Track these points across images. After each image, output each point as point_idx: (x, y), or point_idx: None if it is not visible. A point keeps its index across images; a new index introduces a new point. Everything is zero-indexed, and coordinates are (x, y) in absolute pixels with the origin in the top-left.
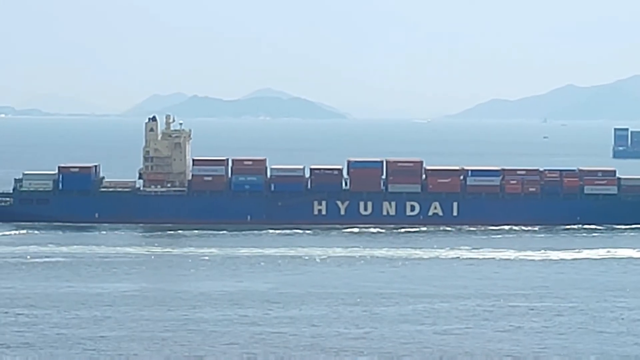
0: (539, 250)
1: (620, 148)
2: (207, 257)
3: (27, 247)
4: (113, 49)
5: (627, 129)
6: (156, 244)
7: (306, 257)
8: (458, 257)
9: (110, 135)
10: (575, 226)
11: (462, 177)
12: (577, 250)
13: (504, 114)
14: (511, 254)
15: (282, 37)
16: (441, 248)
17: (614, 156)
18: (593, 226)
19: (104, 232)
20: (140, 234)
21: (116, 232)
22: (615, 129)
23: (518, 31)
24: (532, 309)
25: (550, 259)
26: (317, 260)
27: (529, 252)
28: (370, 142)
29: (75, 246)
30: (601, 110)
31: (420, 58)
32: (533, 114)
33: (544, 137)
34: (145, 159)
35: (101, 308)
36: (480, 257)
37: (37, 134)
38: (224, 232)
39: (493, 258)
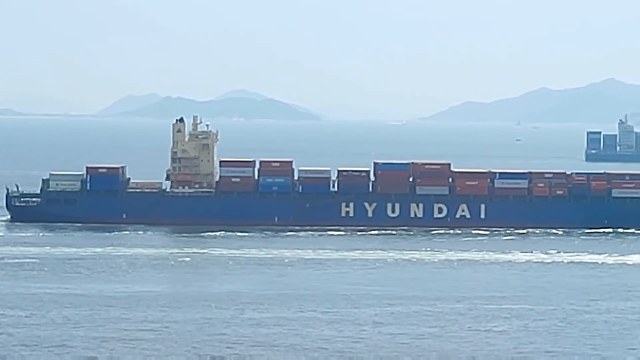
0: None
1: (593, 151)
2: (233, 258)
3: (53, 247)
4: (87, 48)
5: (599, 132)
6: (182, 246)
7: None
8: (510, 261)
9: (94, 136)
10: (603, 230)
11: (489, 180)
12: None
13: (477, 116)
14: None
15: (256, 39)
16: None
17: (587, 159)
18: (621, 229)
19: (131, 233)
20: (167, 235)
21: (143, 233)
22: (588, 132)
23: (492, 34)
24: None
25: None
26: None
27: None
28: (364, 144)
29: (100, 248)
30: (574, 113)
31: (394, 60)
32: (506, 116)
33: (517, 140)
34: (173, 160)
35: (113, 309)
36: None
37: (19, 134)
38: (251, 233)
39: (528, 261)
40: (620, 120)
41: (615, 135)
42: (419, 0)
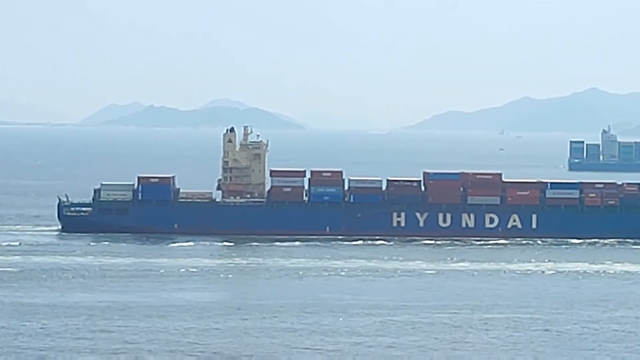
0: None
1: (576, 160)
2: (289, 268)
3: (107, 257)
4: (70, 56)
5: (582, 142)
6: (234, 255)
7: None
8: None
9: (77, 144)
10: None
11: (541, 190)
12: None
13: (460, 125)
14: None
15: (239, 47)
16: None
17: (570, 168)
18: None
19: (183, 243)
20: (219, 245)
21: (195, 243)
22: (571, 142)
23: (474, 43)
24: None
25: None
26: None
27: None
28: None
29: (152, 258)
30: (557, 122)
31: (376, 69)
32: (489, 125)
33: (500, 150)
34: (224, 169)
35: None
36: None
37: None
38: (303, 243)
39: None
40: (604, 129)
41: (599, 145)
42: (401, 9)
